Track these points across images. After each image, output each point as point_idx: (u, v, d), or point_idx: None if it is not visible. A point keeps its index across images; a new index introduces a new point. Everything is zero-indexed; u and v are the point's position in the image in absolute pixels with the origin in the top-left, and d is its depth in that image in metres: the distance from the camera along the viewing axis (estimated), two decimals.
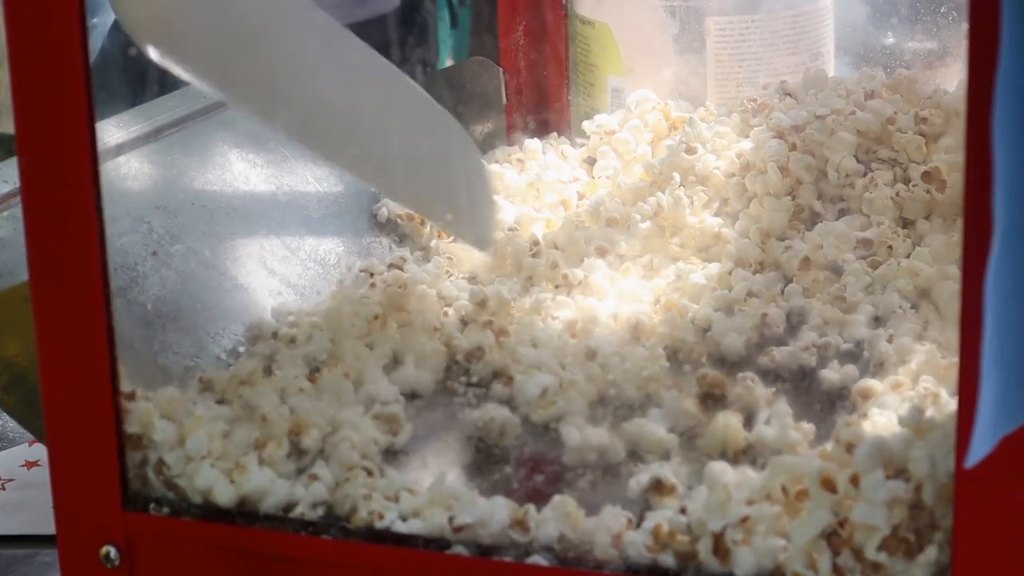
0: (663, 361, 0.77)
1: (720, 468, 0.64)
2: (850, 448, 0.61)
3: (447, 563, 0.62)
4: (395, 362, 0.80)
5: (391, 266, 0.90)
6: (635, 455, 0.70)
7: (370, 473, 0.67)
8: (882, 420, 0.67)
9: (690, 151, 0.93)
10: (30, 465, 0.96)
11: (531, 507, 0.63)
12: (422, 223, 0.96)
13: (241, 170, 0.94)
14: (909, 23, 1.10)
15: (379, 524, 0.63)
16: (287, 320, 0.84)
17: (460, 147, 0.85)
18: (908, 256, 0.86)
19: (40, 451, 0.96)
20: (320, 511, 0.65)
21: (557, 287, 0.87)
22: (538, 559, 0.61)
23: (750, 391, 0.73)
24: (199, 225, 0.87)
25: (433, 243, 0.95)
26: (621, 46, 1.05)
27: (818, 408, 0.74)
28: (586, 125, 1.02)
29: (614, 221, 0.92)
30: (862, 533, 0.57)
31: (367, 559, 0.63)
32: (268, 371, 0.77)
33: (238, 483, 0.66)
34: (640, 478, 0.65)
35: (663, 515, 0.62)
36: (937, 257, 0.85)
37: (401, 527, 0.63)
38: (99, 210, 0.64)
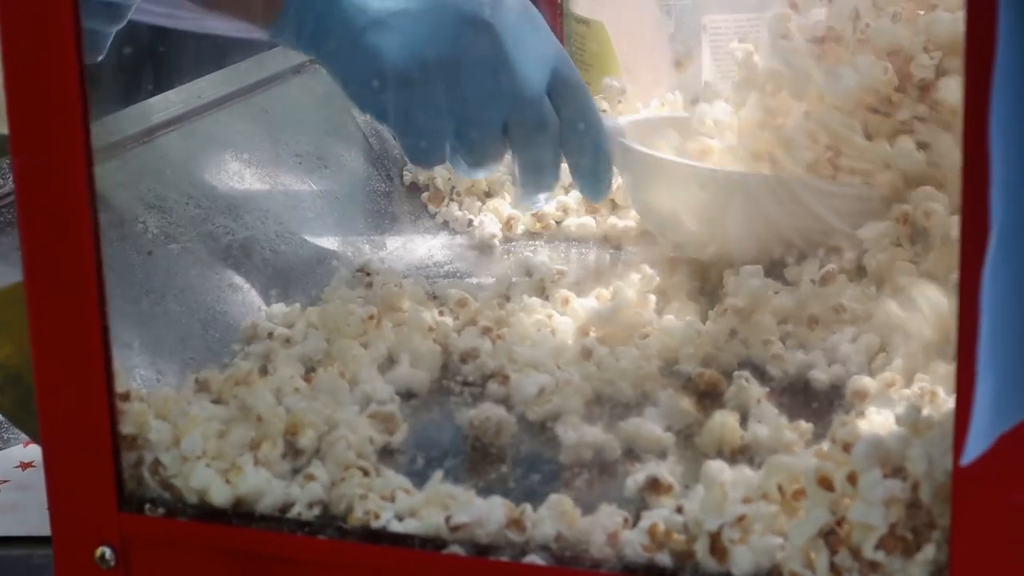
0: (657, 361, 0.77)
1: (717, 467, 0.64)
2: (846, 447, 0.60)
3: (443, 563, 0.62)
4: (390, 361, 0.80)
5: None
6: (631, 454, 0.70)
7: (366, 473, 0.66)
8: (879, 419, 0.67)
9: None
10: (25, 466, 0.96)
11: (527, 506, 0.63)
12: (443, 193, 0.98)
13: (236, 169, 0.94)
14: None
15: (375, 524, 0.63)
16: (282, 320, 0.84)
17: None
18: None
19: (35, 452, 0.96)
20: (316, 511, 0.65)
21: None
22: (534, 558, 0.61)
23: (744, 390, 0.73)
24: (194, 224, 0.87)
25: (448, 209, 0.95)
26: (617, 45, 1.05)
27: (811, 408, 0.74)
28: None
29: None
30: (859, 532, 0.57)
31: (363, 559, 0.63)
32: (264, 371, 0.77)
33: (234, 483, 0.65)
34: (636, 477, 0.64)
35: (659, 514, 0.61)
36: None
37: (397, 527, 0.63)
38: (94, 210, 0.64)
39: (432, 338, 0.82)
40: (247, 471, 0.66)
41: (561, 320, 0.84)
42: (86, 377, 0.65)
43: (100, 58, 0.89)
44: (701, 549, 0.60)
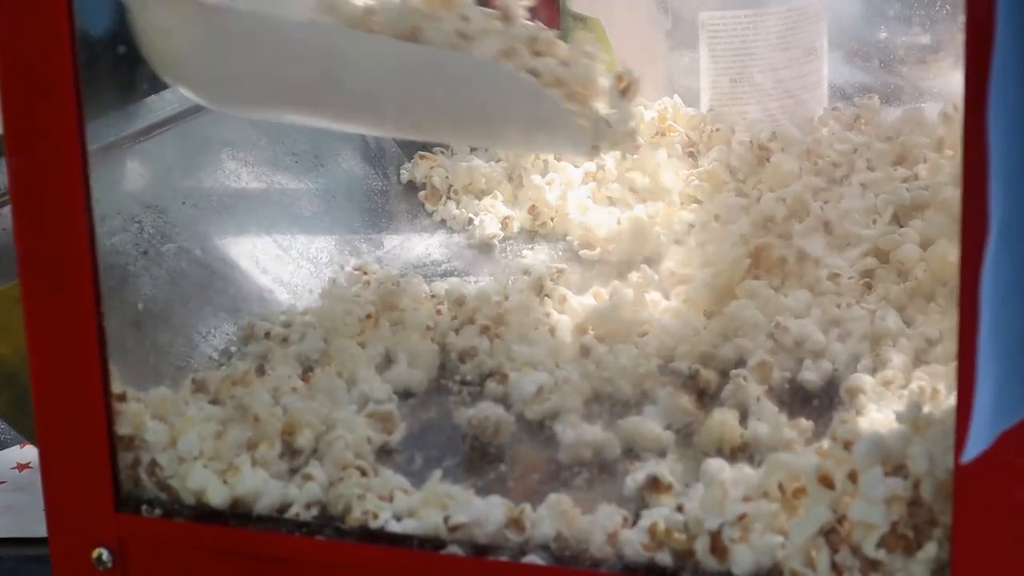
0: (656, 359, 0.77)
1: (717, 465, 0.63)
2: (847, 445, 0.60)
3: (442, 563, 0.62)
4: (388, 361, 0.80)
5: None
6: (631, 452, 0.70)
7: (364, 472, 0.66)
8: (879, 416, 0.67)
9: None
10: (21, 467, 0.95)
11: (527, 506, 0.63)
12: (440, 191, 0.98)
13: (232, 168, 0.94)
14: (903, 18, 1.10)
15: (373, 524, 0.63)
16: (279, 319, 0.84)
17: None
18: None
19: (31, 453, 0.96)
20: (314, 511, 0.65)
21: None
22: (534, 558, 0.61)
23: (743, 388, 0.73)
24: (190, 224, 0.87)
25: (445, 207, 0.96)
26: (614, 42, 1.05)
27: (807, 406, 0.74)
28: None
29: None
30: (861, 530, 0.57)
31: (362, 560, 0.63)
32: (261, 371, 0.77)
33: (231, 484, 0.65)
34: (636, 476, 0.64)
35: (659, 513, 0.61)
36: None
37: (396, 527, 0.63)
38: (89, 210, 0.63)
39: (430, 337, 0.81)
40: (244, 471, 0.66)
41: (559, 318, 0.83)
42: (82, 377, 0.65)
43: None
44: (701, 548, 0.60)
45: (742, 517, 0.59)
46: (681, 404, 0.72)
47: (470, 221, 1.01)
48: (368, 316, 0.82)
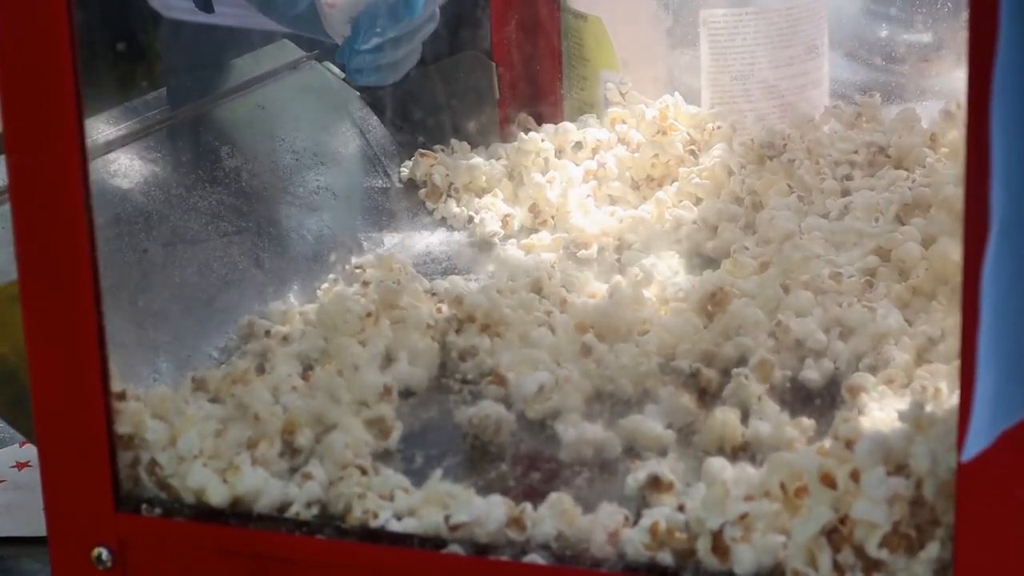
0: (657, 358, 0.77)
1: (718, 464, 0.63)
2: (849, 444, 0.60)
3: (443, 562, 0.62)
4: (388, 359, 0.79)
5: None
6: (632, 451, 0.70)
7: (364, 471, 0.66)
8: (881, 415, 0.67)
9: None
10: (21, 466, 0.95)
11: (527, 505, 0.62)
12: (440, 190, 0.99)
13: (232, 166, 0.94)
14: (904, 16, 1.10)
15: (374, 523, 0.63)
16: (280, 318, 0.84)
17: None
18: None
19: (31, 452, 0.96)
20: (314, 510, 0.65)
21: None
22: (535, 558, 0.61)
23: (744, 387, 0.73)
24: (190, 223, 0.87)
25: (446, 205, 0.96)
26: (614, 40, 1.05)
27: (809, 405, 0.74)
28: None
29: None
30: (863, 530, 0.57)
31: (362, 559, 0.63)
32: (261, 369, 0.77)
33: (231, 483, 0.65)
34: (637, 475, 0.64)
35: (661, 512, 0.61)
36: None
37: (396, 526, 0.63)
38: (89, 209, 0.63)
39: (430, 335, 0.81)
40: (244, 470, 0.65)
41: (560, 317, 0.83)
42: (82, 376, 0.65)
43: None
44: (703, 548, 0.59)
45: (744, 516, 0.59)
46: (682, 403, 0.72)
47: (470, 219, 1.01)
48: (368, 315, 0.82)
